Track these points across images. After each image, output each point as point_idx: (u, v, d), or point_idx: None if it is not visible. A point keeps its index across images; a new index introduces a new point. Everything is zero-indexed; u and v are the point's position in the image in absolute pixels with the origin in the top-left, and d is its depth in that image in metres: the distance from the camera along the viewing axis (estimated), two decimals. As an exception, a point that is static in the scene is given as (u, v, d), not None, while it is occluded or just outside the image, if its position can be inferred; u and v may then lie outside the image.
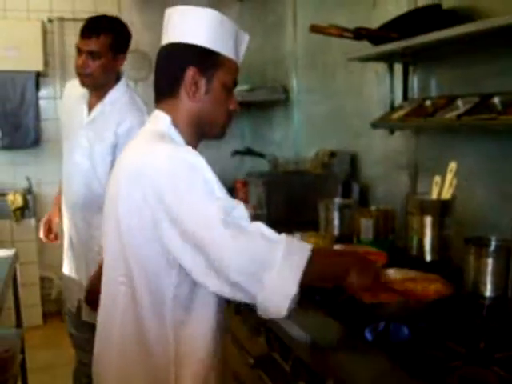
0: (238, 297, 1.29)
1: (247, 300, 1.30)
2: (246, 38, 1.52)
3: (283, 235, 1.33)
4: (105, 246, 1.49)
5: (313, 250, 1.33)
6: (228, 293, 1.29)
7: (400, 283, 1.75)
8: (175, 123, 1.45)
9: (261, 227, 1.31)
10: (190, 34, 1.43)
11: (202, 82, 1.43)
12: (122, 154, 1.47)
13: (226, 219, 1.26)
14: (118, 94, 2.59)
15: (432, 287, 1.67)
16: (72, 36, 4.59)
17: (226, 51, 1.45)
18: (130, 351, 1.43)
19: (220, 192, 1.31)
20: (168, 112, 1.45)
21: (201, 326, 1.44)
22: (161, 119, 1.45)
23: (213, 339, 1.47)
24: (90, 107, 2.59)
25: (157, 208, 1.29)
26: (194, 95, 1.44)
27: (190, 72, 1.42)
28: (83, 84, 2.55)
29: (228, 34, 1.46)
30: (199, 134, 1.50)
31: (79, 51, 2.50)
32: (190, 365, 1.43)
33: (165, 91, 1.47)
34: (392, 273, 1.82)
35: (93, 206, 2.48)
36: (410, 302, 1.61)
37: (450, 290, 1.63)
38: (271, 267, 1.26)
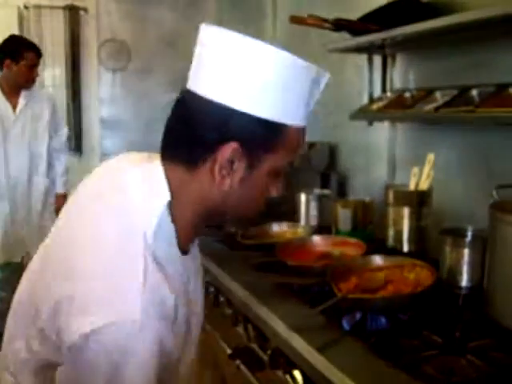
0: None
1: None
2: (323, 81, 1.06)
3: None
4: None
5: None
6: None
7: (387, 270, 1.77)
8: (175, 209, 1.00)
9: None
10: (244, 95, 0.94)
11: (241, 166, 0.97)
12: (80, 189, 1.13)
13: None
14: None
15: (423, 274, 1.69)
16: (49, 24, 4.54)
17: (294, 119, 1.00)
18: None
19: None
20: (172, 181, 0.99)
21: None
22: (158, 189, 0.99)
23: None
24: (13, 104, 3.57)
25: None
26: (223, 180, 0.98)
27: (230, 148, 0.95)
28: (28, 89, 3.59)
29: (301, 91, 1.00)
30: (202, 224, 1.07)
31: (34, 66, 3.52)
32: None
33: (180, 155, 1.00)
34: (378, 259, 1.84)
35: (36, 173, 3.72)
36: (389, 297, 1.62)
37: (435, 276, 1.65)
38: None
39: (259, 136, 0.97)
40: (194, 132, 0.97)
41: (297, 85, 0.98)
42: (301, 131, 1.02)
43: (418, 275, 1.71)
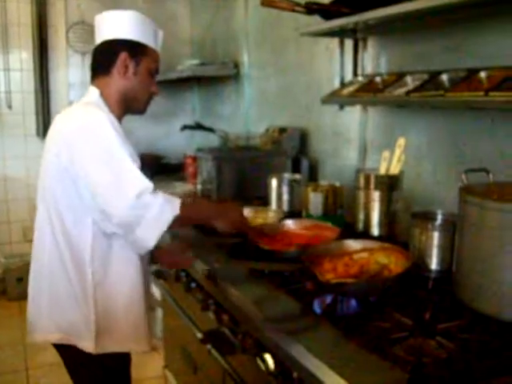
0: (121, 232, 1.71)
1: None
2: (161, 34, 1.96)
3: (159, 195, 1.67)
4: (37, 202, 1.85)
5: (181, 207, 1.70)
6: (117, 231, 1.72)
7: (358, 253, 1.76)
8: (104, 96, 1.86)
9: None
10: (122, 31, 1.86)
11: (131, 65, 1.87)
12: (54, 122, 1.82)
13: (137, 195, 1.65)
14: None
15: (399, 259, 1.68)
16: (14, 3, 4.43)
17: (150, 43, 1.90)
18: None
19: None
20: (100, 87, 1.87)
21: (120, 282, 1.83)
22: (92, 92, 1.87)
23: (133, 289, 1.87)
24: None
25: (68, 160, 1.69)
26: (124, 74, 1.87)
27: (122, 56, 1.85)
28: None
29: (149, 29, 1.90)
30: (124, 107, 1.91)
31: None
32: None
33: (100, 70, 1.89)
34: (351, 243, 1.82)
35: None
36: (370, 281, 1.61)
37: (409, 261, 1.64)
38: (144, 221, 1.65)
39: (135, 49, 1.86)
40: (104, 57, 1.88)
41: (146, 25, 1.90)
42: (155, 51, 1.92)
43: (395, 260, 1.69)
